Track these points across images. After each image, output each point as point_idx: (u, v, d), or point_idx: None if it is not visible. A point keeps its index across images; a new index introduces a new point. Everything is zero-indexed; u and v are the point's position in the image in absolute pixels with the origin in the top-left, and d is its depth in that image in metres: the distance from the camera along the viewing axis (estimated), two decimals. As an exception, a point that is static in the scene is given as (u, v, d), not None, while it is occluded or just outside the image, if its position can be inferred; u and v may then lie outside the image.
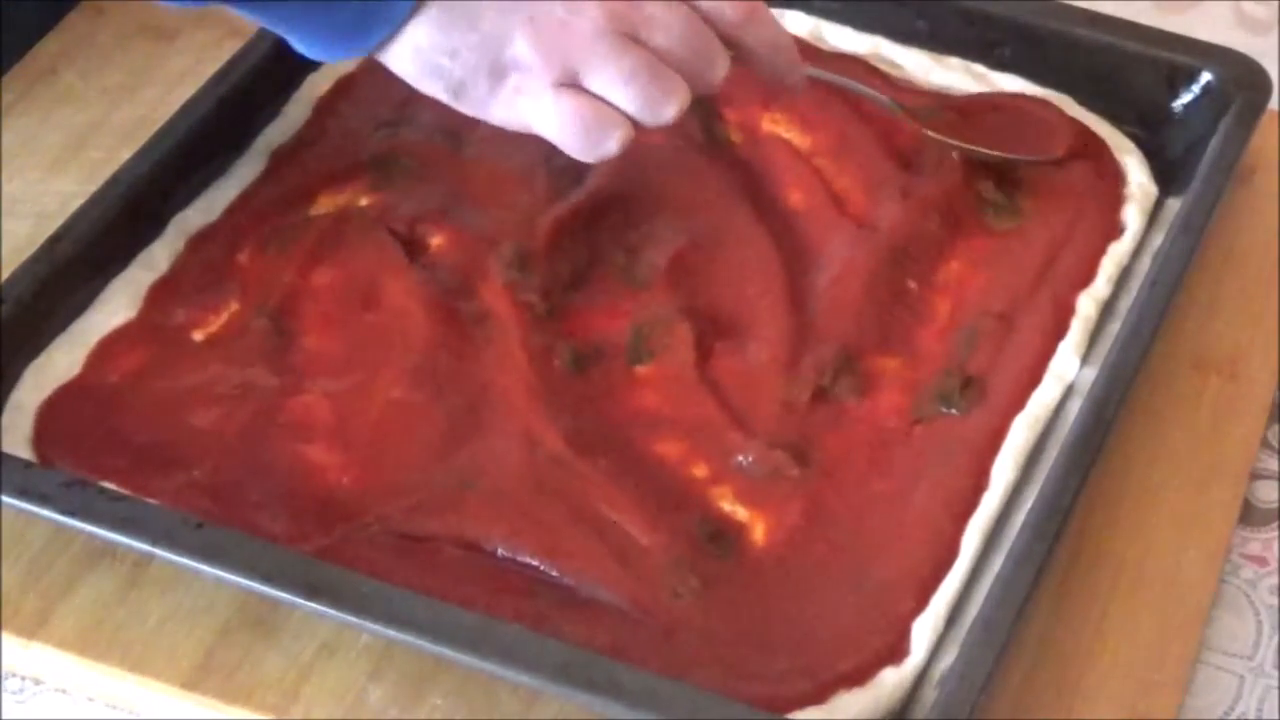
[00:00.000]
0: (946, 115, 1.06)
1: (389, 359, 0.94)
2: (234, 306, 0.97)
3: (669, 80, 0.93)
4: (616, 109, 0.93)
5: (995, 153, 1.04)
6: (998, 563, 0.86)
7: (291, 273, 0.98)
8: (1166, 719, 0.85)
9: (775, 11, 1.11)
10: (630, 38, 0.92)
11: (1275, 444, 0.97)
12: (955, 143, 1.04)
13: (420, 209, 1.01)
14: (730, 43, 0.95)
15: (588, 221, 1.00)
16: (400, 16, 0.92)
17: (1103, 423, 0.89)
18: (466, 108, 0.94)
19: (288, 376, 0.94)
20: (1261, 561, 0.93)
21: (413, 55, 0.93)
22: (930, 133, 1.04)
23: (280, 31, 0.95)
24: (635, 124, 0.93)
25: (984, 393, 0.94)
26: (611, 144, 0.93)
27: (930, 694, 0.83)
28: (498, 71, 0.92)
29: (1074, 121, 1.06)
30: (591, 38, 0.91)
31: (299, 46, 0.95)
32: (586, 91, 0.92)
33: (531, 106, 0.93)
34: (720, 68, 0.95)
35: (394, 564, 0.86)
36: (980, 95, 1.08)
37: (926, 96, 1.07)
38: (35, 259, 0.95)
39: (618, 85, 0.92)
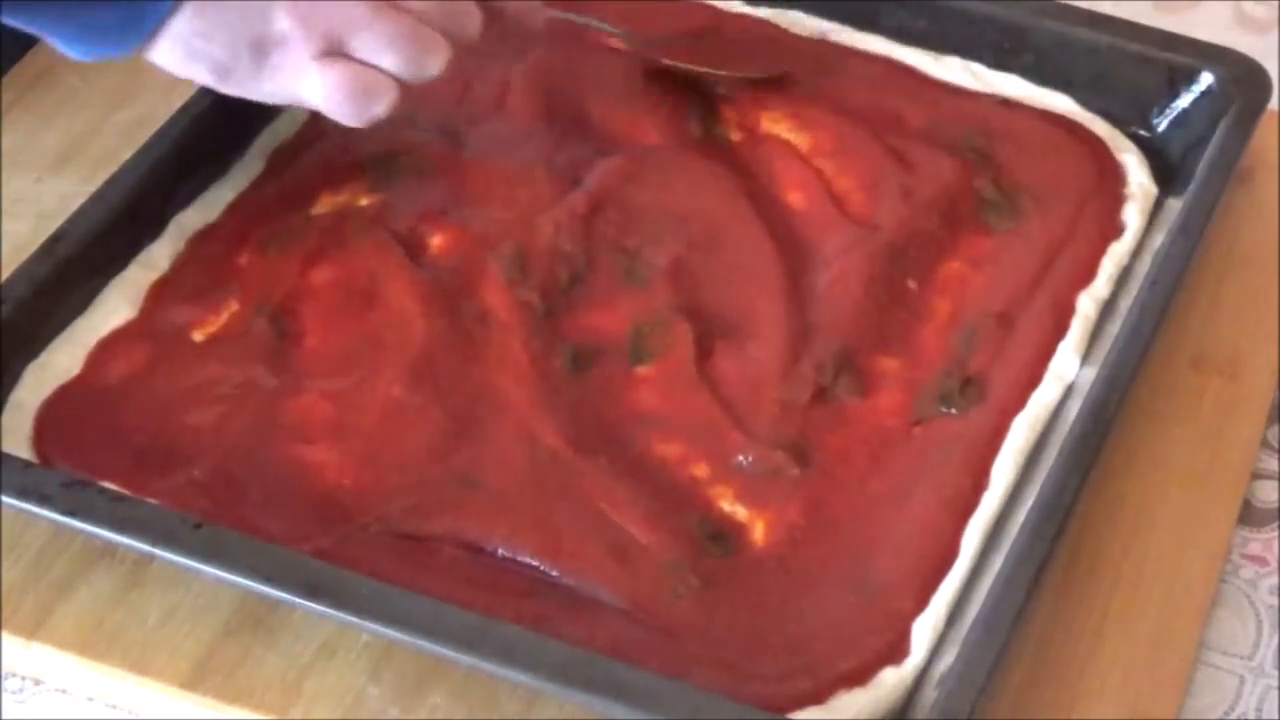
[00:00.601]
0: (679, 42, 1.08)
1: (389, 359, 0.94)
2: (234, 306, 0.97)
3: (430, 39, 0.95)
4: (381, 72, 0.94)
5: (723, 72, 1.07)
6: (998, 563, 0.86)
7: (291, 273, 0.98)
8: (1166, 719, 0.85)
9: (777, 11, 1.12)
10: (386, 2, 0.94)
11: (1275, 444, 0.97)
12: (684, 66, 1.07)
13: (420, 209, 1.01)
14: None
15: (588, 221, 1.00)
16: (163, 12, 0.92)
17: (1103, 423, 0.89)
18: (233, 88, 0.95)
19: (288, 376, 0.94)
20: (1261, 561, 0.93)
21: (173, 44, 0.93)
22: (667, 60, 1.07)
23: (42, 34, 0.94)
24: (404, 85, 0.95)
25: (984, 393, 0.94)
26: (379, 107, 0.95)
27: (930, 694, 0.83)
28: (260, 48, 0.93)
29: (799, 39, 1.09)
30: (349, 5, 0.93)
31: (63, 48, 0.95)
32: (348, 58, 0.94)
33: (297, 79, 0.94)
34: (474, 20, 0.98)
35: (394, 564, 0.86)
36: (711, 20, 1.11)
37: (661, 26, 1.10)
38: (35, 259, 0.95)
39: (381, 48, 0.94)
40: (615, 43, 1.08)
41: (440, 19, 0.96)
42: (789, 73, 1.08)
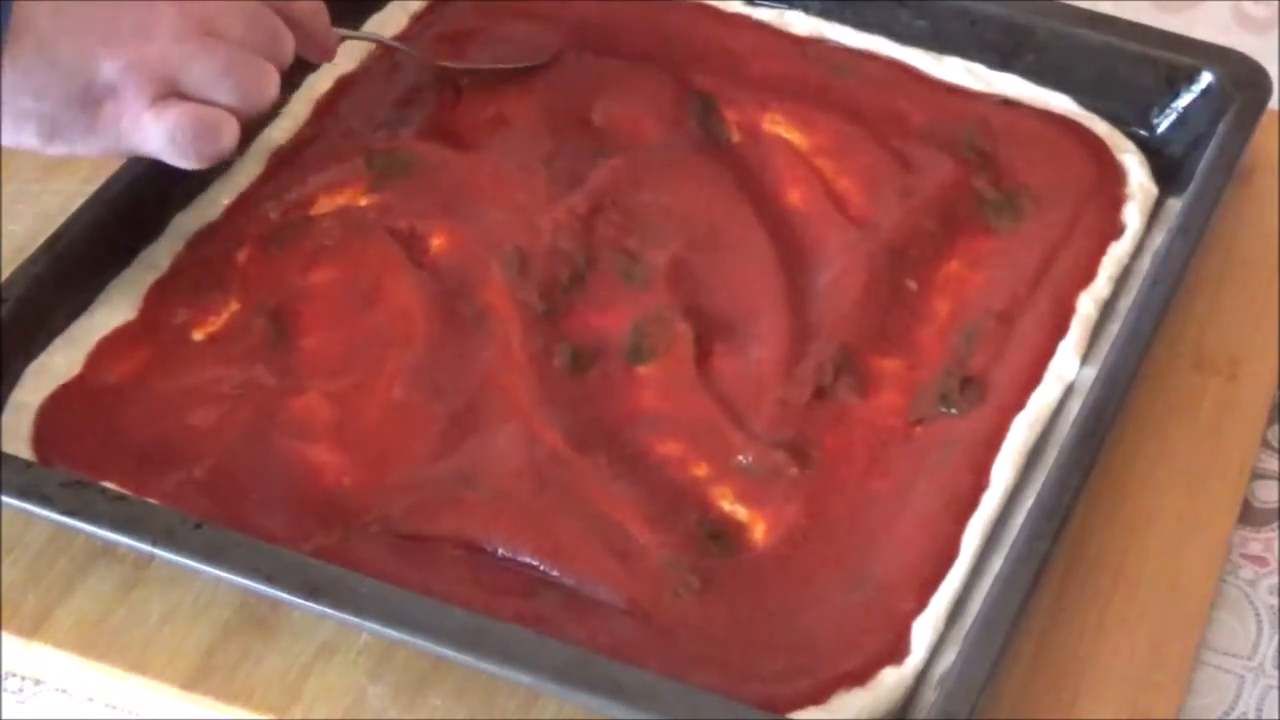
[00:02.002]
0: (446, 46, 1.10)
1: (389, 359, 0.94)
2: (234, 306, 0.97)
3: (259, 65, 0.93)
4: (217, 106, 0.92)
5: (497, 65, 1.08)
6: (998, 563, 0.86)
7: (291, 273, 0.98)
8: (1166, 719, 0.85)
9: (775, 11, 1.12)
10: (210, 35, 0.91)
11: (1275, 444, 0.97)
12: (460, 65, 1.08)
13: (420, 209, 1.01)
14: (281, 17, 0.96)
15: (588, 221, 1.00)
16: None
17: (1103, 423, 0.89)
18: (62, 147, 0.91)
19: (288, 376, 0.94)
20: (1261, 561, 0.93)
21: None
22: (446, 63, 1.08)
23: None
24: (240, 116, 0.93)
25: (984, 393, 0.94)
26: (225, 142, 0.92)
27: (930, 694, 0.83)
28: (91, 101, 0.90)
29: (557, 36, 1.10)
30: (177, 44, 0.90)
31: None
32: (181, 98, 0.91)
33: (134, 128, 0.91)
34: (289, 43, 0.96)
35: (394, 564, 0.86)
36: (478, 25, 1.12)
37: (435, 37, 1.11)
38: (35, 259, 0.95)
39: (214, 83, 0.91)
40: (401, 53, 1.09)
41: (261, 45, 0.94)
42: (554, 58, 1.09)
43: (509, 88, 1.08)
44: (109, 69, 0.89)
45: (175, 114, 0.91)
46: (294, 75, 1.06)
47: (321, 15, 1.00)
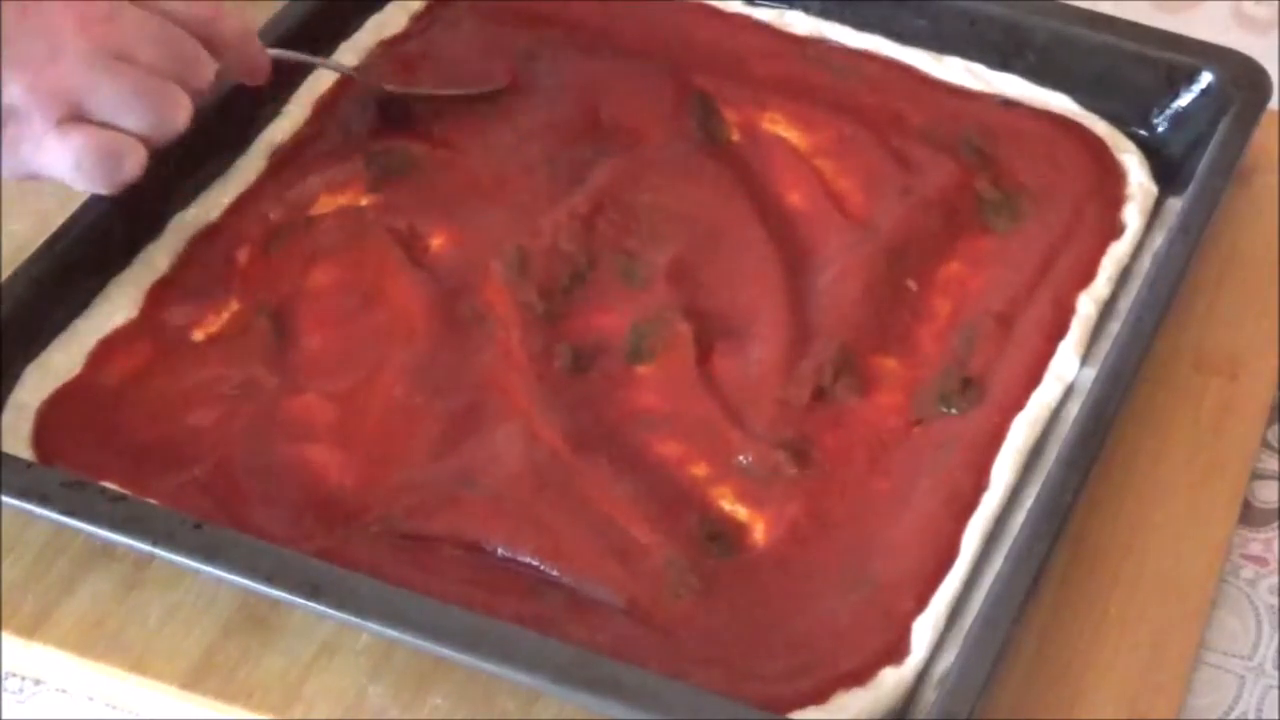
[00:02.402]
0: (401, 72, 1.08)
1: (389, 359, 0.94)
2: (234, 306, 0.97)
3: (170, 91, 0.92)
4: (125, 132, 0.91)
5: (445, 91, 1.06)
6: (998, 563, 0.86)
7: (291, 273, 0.98)
8: (1166, 719, 0.85)
9: (775, 11, 1.12)
10: (119, 59, 0.90)
11: (1275, 444, 0.97)
12: (410, 90, 1.06)
13: (420, 209, 1.01)
14: (204, 41, 0.94)
15: (587, 221, 1.00)
16: None
17: (1103, 423, 0.89)
18: None
19: (288, 376, 0.94)
20: (1261, 561, 0.93)
21: None
22: (390, 87, 1.06)
23: None
24: (150, 142, 0.92)
25: (984, 393, 0.94)
26: (128, 169, 0.91)
27: (930, 694, 0.83)
28: None
29: (510, 66, 1.09)
30: (83, 67, 0.89)
31: None
32: (87, 123, 0.90)
33: (37, 151, 0.90)
34: (208, 67, 0.94)
35: (394, 564, 0.86)
36: (423, 40, 1.10)
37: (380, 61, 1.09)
38: (35, 259, 0.95)
39: (121, 108, 0.90)
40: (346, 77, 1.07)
41: (174, 70, 0.92)
42: (506, 87, 1.07)
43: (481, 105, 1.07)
44: (13, 91, 0.88)
45: (80, 138, 0.90)
46: (294, 74, 1.06)
47: (252, 40, 0.98)
